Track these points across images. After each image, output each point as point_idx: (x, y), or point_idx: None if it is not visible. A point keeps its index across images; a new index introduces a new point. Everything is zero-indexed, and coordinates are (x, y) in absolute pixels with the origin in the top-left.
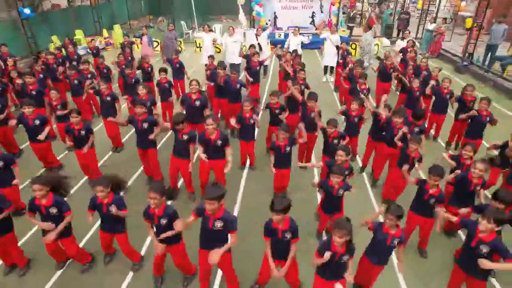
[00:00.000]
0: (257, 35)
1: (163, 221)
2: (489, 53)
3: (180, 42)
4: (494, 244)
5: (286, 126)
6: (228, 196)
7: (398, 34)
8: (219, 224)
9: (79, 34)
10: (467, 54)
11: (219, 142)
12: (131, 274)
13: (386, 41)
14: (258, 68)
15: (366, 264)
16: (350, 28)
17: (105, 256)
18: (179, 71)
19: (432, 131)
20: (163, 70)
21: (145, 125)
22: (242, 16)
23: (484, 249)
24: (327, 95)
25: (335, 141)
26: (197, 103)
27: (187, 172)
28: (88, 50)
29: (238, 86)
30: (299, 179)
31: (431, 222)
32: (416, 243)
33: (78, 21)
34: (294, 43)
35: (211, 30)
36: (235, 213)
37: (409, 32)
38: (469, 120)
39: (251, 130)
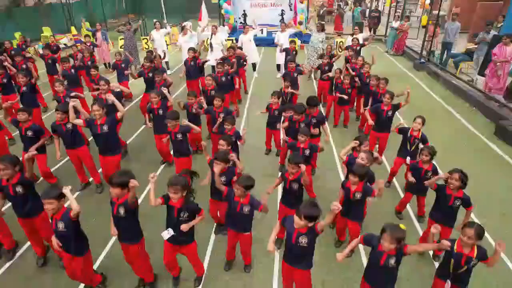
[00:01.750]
0: (212, 33)
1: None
2: (446, 51)
3: (147, 40)
4: None
5: (307, 130)
6: None
7: (369, 32)
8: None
9: (46, 31)
10: (425, 52)
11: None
12: None
13: (349, 38)
14: (194, 64)
15: None
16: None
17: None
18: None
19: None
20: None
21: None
22: (203, 13)
23: None
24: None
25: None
26: (160, 111)
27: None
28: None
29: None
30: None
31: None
32: None
33: (49, 19)
34: (283, 38)
35: (162, 27)
36: None
37: (358, 29)
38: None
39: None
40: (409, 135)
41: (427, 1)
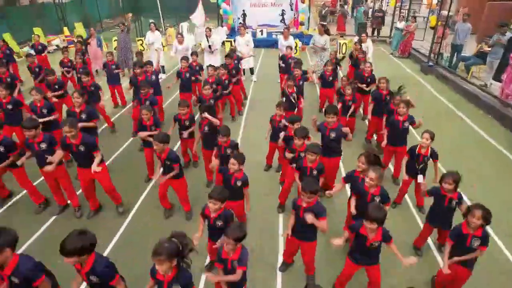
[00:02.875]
0: (207, 36)
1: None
2: (455, 53)
3: (141, 41)
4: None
5: (318, 148)
6: None
7: (372, 33)
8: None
9: (37, 32)
10: (433, 54)
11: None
12: None
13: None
14: (190, 76)
15: None
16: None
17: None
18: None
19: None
20: None
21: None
22: (200, 12)
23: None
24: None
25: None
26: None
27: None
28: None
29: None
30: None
31: None
32: None
33: (41, 19)
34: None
35: (157, 29)
36: None
37: (366, 35)
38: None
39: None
40: (416, 153)
41: (434, 0)
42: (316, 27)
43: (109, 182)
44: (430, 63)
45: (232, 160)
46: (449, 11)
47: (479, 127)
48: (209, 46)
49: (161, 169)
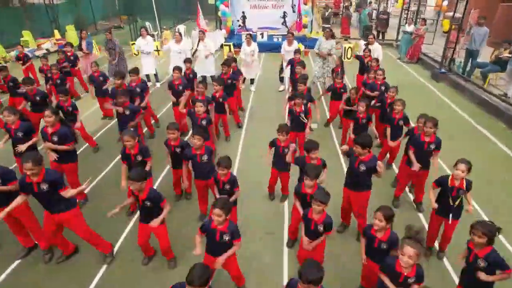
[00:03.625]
0: (200, 40)
1: (226, 238)
2: (470, 59)
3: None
4: None
5: (315, 170)
6: None
7: (378, 36)
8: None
9: (26, 36)
10: (445, 60)
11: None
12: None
13: (361, 43)
14: (183, 88)
15: None
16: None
17: None
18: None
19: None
20: None
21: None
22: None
23: None
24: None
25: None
26: (138, 157)
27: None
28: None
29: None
30: None
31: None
32: None
33: (31, 21)
34: (289, 54)
35: (149, 34)
36: None
37: (374, 37)
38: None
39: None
40: (449, 186)
41: (444, 2)
42: (319, 29)
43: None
44: (443, 70)
45: (217, 211)
46: (463, 15)
47: (504, 144)
48: (194, 52)
49: (138, 212)
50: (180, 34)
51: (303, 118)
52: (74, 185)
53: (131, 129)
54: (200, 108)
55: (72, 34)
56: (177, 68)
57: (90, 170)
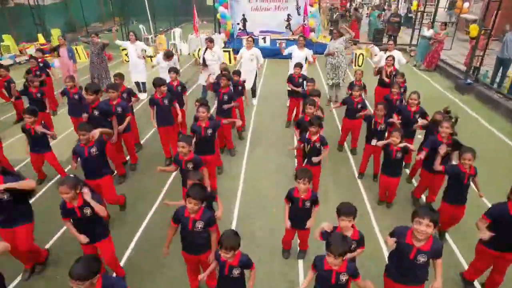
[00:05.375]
0: (208, 48)
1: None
2: (501, 69)
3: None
4: None
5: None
6: None
7: (388, 40)
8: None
9: (7, 40)
10: (467, 69)
11: None
12: None
13: (375, 49)
14: (169, 104)
15: None
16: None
17: None
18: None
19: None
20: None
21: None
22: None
23: None
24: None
25: None
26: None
27: None
28: None
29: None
30: None
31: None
32: None
33: (15, 24)
34: (298, 57)
35: (137, 39)
36: None
37: (394, 44)
38: None
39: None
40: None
41: (465, 4)
42: (326, 33)
43: None
44: (469, 80)
45: None
46: (494, 21)
47: None
48: (204, 61)
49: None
50: (170, 53)
51: (319, 149)
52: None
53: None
54: (183, 149)
55: (57, 38)
56: (160, 81)
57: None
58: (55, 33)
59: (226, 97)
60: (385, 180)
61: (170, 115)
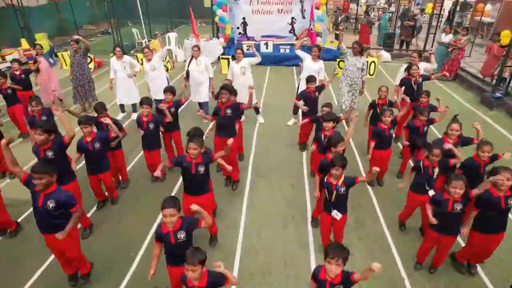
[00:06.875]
0: (193, 57)
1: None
2: None
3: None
4: None
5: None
6: None
7: (401, 46)
8: None
9: None
10: (497, 81)
11: None
12: None
13: (386, 56)
14: (156, 126)
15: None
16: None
17: None
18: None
19: None
20: None
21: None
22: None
23: None
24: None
25: None
26: None
27: None
28: None
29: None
30: None
31: None
32: None
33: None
34: (312, 70)
35: (124, 53)
36: None
37: (419, 56)
38: None
39: None
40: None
41: (487, 6)
42: (331, 37)
43: None
44: (498, 94)
45: None
46: None
47: None
48: (187, 73)
49: None
50: (150, 50)
51: (344, 194)
52: None
53: None
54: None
55: (43, 44)
56: (146, 100)
57: None
58: (39, 38)
59: (229, 111)
60: (435, 238)
61: (156, 139)
